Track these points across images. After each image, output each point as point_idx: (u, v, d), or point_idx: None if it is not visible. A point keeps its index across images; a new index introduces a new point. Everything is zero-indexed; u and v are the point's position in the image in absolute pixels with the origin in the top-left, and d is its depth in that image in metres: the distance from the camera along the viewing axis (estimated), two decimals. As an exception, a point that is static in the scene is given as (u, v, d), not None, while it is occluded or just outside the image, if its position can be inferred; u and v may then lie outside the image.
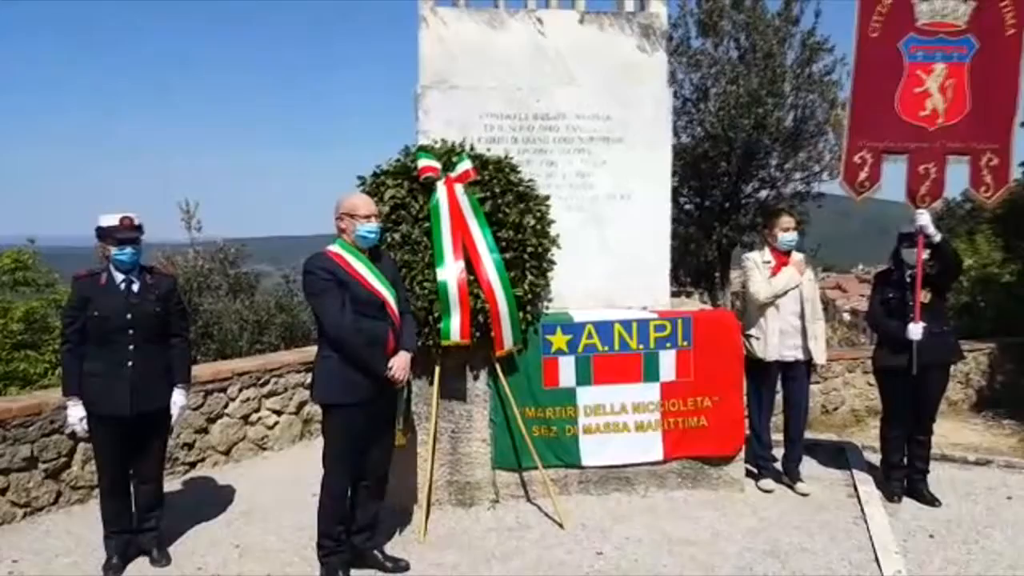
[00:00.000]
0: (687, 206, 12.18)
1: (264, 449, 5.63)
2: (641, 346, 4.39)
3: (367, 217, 3.37)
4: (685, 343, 4.43)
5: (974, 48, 4.31)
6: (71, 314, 3.54)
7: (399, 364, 3.38)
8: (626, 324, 4.38)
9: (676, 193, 11.38)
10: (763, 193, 11.93)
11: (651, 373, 4.41)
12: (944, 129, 4.36)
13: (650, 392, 4.42)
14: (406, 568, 3.57)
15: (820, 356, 4.63)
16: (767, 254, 4.70)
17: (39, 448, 4.30)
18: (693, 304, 5.52)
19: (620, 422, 4.42)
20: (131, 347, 3.51)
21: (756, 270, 4.65)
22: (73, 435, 4.28)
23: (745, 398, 4.70)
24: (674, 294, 6.48)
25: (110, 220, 3.50)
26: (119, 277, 3.55)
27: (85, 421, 3.51)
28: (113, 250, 3.51)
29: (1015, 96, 4.33)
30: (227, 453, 5.38)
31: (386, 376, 3.34)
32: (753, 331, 4.63)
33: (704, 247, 11.75)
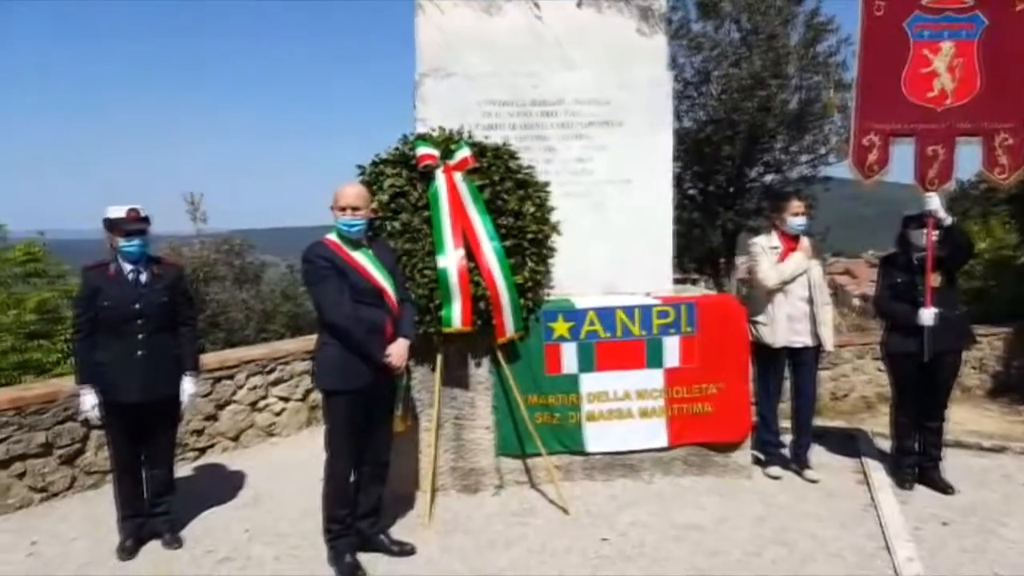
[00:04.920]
0: (691, 191, 12.01)
1: (272, 435, 5.70)
2: (644, 332, 4.38)
3: (343, 209, 3.35)
4: (689, 329, 4.41)
5: (983, 25, 4.18)
6: (81, 304, 3.59)
7: (397, 351, 3.39)
8: (628, 310, 4.37)
9: (679, 178, 11.27)
10: (768, 177, 11.75)
11: (654, 359, 4.40)
12: (953, 110, 4.24)
13: (654, 378, 4.41)
14: (412, 552, 3.61)
15: (828, 342, 4.59)
16: (775, 239, 4.63)
17: (54, 435, 4.39)
18: (697, 291, 5.48)
19: (624, 408, 4.41)
20: (140, 336, 3.56)
21: (764, 255, 4.59)
22: (86, 422, 4.36)
23: (752, 384, 4.66)
24: (679, 281, 6.43)
25: (118, 212, 3.55)
26: (127, 268, 3.60)
27: (98, 408, 3.56)
28: (121, 241, 3.56)
29: None
30: (236, 439, 5.45)
31: (384, 363, 3.35)
32: (761, 317, 4.58)
33: (709, 233, 11.59)
